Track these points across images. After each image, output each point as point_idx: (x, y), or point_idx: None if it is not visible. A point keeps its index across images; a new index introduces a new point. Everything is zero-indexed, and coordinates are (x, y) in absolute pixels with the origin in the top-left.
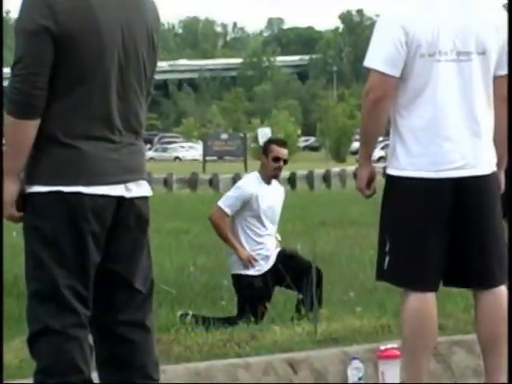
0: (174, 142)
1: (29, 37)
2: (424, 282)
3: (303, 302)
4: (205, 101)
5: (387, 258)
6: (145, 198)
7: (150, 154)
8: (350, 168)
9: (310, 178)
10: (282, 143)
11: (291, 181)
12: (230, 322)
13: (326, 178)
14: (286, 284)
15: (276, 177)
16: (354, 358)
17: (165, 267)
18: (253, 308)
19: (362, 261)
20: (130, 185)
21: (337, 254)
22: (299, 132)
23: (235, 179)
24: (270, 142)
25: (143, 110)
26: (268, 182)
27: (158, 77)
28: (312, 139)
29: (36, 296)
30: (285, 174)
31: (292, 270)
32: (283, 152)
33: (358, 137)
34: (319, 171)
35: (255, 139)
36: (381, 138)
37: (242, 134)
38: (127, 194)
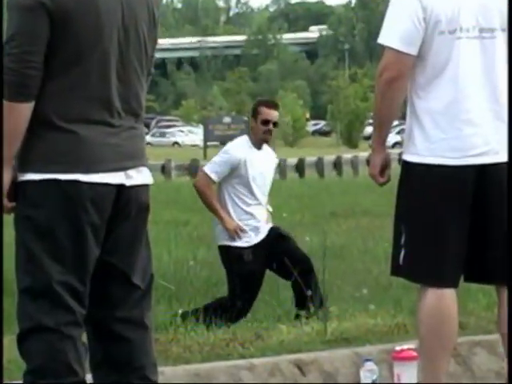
0: (173, 126)
1: (22, 12)
2: (443, 278)
3: (312, 299)
4: (206, 81)
5: (403, 252)
6: (145, 186)
7: (146, 138)
8: (363, 154)
9: (319, 165)
10: (271, 105)
11: (299, 168)
12: (222, 304)
13: (337, 164)
14: (280, 269)
15: (266, 141)
16: (367, 360)
17: (163, 261)
18: (244, 284)
19: (375, 254)
20: (131, 172)
21: (348, 247)
22: (308, 115)
23: None
24: (259, 103)
25: (144, 91)
26: (258, 147)
27: (155, 55)
28: (322, 123)
29: (28, 292)
30: (292, 160)
31: (287, 255)
32: (273, 114)
33: (371, 121)
34: (329, 158)
35: None
36: (396, 122)
37: (245, 118)
38: (128, 182)
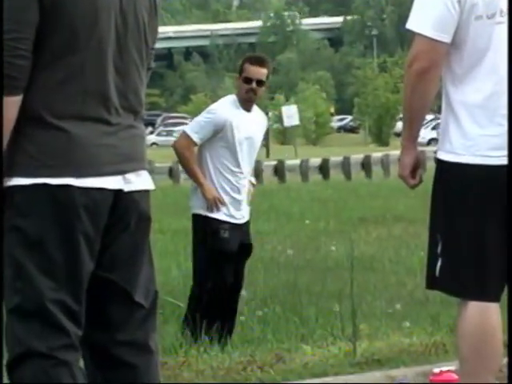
0: (181, 124)
1: None
2: (485, 290)
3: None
4: (217, 73)
5: (439, 262)
6: (146, 192)
7: (151, 138)
8: (395, 153)
9: (345, 166)
10: (257, 61)
11: (323, 169)
12: (196, 300)
13: (366, 165)
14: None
15: (249, 101)
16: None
17: (171, 275)
18: (215, 262)
19: (410, 265)
20: (129, 176)
21: (379, 258)
22: (332, 110)
23: (256, 168)
24: (244, 59)
25: (143, 86)
26: (246, 109)
27: (160, 45)
28: (348, 118)
29: (17, 312)
30: (315, 160)
31: (236, 270)
32: (256, 71)
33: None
34: (357, 157)
35: (279, 119)
36: (431, 116)
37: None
38: (126, 187)
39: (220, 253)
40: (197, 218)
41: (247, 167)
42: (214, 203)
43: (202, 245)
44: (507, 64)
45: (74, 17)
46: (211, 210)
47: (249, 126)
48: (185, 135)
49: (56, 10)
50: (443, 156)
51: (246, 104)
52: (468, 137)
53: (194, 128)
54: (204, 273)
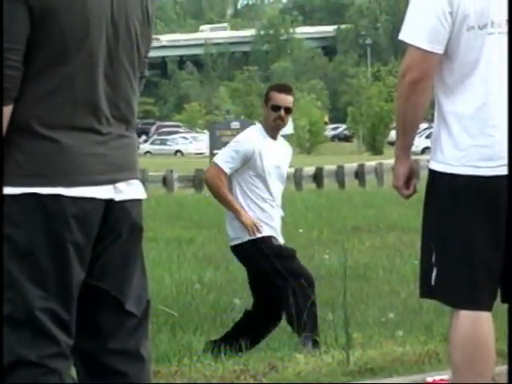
0: (175, 133)
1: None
2: (477, 299)
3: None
4: (211, 82)
5: (435, 271)
6: (137, 201)
7: (145, 146)
8: (389, 162)
9: (339, 175)
10: (283, 89)
11: (317, 178)
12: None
13: (360, 174)
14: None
15: (278, 128)
16: None
17: (164, 284)
18: (283, 261)
19: (403, 274)
20: (120, 185)
21: (373, 266)
22: (326, 119)
23: None
24: (270, 88)
25: (135, 96)
26: (273, 137)
27: (154, 54)
28: (342, 127)
29: (8, 321)
30: (309, 169)
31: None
32: (284, 99)
33: None
34: (351, 166)
35: None
36: (426, 125)
37: (256, 122)
38: (117, 197)
39: (281, 251)
40: (244, 246)
41: (278, 197)
42: (255, 227)
43: (263, 261)
44: (507, 72)
45: (65, 29)
46: (254, 235)
47: (276, 154)
48: (215, 165)
49: (46, 22)
50: (434, 166)
51: (272, 132)
52: (459, 147)
53: (224, 158)
54: (281, 278)
